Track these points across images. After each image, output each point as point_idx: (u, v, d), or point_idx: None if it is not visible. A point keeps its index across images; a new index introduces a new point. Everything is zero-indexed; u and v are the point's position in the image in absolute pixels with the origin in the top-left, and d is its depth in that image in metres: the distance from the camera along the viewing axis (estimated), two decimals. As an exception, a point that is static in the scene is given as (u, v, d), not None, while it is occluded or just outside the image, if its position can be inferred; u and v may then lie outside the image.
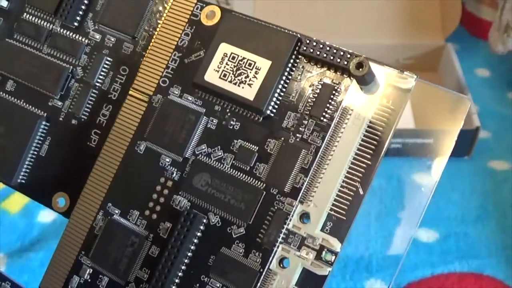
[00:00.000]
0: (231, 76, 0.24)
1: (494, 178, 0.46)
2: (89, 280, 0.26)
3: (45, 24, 0.28)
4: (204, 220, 0.24)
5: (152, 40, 0.26)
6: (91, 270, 0.26)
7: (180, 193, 0.25)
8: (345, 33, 0.56)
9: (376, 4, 0.57)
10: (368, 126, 0.23)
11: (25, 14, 0.28)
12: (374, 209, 0.43)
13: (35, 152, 0.27)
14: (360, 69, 0.22)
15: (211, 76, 0.25)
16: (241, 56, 0.24)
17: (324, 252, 0.23)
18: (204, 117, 0.25)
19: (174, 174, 0.25)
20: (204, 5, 0.26)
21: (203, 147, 0.25)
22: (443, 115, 0.22)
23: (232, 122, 0.25)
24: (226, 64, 0.25)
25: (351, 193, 0.23)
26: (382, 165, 0.46)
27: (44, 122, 0.27)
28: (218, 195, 0.24)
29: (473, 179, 0.46)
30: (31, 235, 0.42)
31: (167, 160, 0.25)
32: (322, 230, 0.23)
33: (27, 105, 0.28)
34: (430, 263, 0.40)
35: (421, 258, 0.41)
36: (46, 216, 0.44)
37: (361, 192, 0.23)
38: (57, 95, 0.27)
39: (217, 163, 0.25)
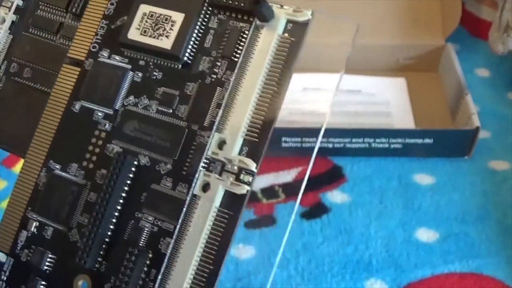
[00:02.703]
0: (150, 31, 0.27)
1: (494, 178, 0.47)
2: (36, 232, 0.27)
3: (57, 18, 0.31)
4: (135, 162, 0.26)
5: (84, 13, 0.29)
6: (37, 223, 0.28)
7: (113, 141, 0.27)
8: (344, 33, 0.56)
9: (376, 4, 0.57)
10: (272, 57, 0.25)
11: (39, 10, 0.31)
12: (374, 209, 0.44)
13: None
14: (257, 4, 0.25)
15: (133, 34, 0.27)
16: (158, 13, 0.27)
17: (242, 174, 0.25)
18: (130, 72, 0.27)
19: (107, 126, 0.27)
20: (126, -24, 0.29)
21: (131, 98, 0.27)
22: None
23: (155, 73, 0.27)
24: (146, 22, 0.27)
25: (262, 117, 0.25)
26: (382, 165, 0.48)
27: None
28: (146, 138, 0.27)
29: (473, 179, 0.46)
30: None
31: (100, 114, 0.28)
32: (239, 154, 0.25)
33: (44, 88, 0.30)
34: (430, 263, 0.40)
35: (421, 258, 0.41)
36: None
37: (271, 117, 0.25)
38: None
39: (143, 110, 0.27)
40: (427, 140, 0.47)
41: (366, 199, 0.45)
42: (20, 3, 0.32)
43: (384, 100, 0.53)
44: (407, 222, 0.43)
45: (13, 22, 0.32)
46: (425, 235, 0.42)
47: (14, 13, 0.32)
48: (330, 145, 0.47)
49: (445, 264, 0.40)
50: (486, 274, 0.40)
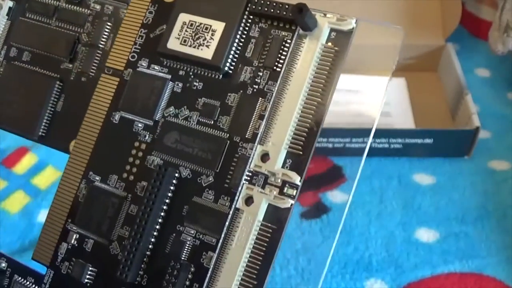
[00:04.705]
0: (190, 41, 0.27)
1: (494, 178, 0.46)
2: (76, 245, 0.27)
3: (52, 1, 0.31)
4: (176, 174, 0.26)
5: (122, 22, 0.29)
6: (77, 235, 0.27)
7: (153, 153, 0.27)
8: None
9: (376, 4, 0.57)
10: (316, 67, 0.25)
11: None
12: (374, 209, 0.44)
13: (52, 108, 0.30)
14: (300, 13, 0.24)
15: (173, 43, 0.27)
16: (198, 22, 0.27)
17: (286, 188, 0.24)
18: (170, 82, 0.27)
19: (147, 137, 0.27)
20: (164, -15, 0.28)
21: (171, 109, 0.27)
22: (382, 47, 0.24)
23: (195, 83, 0.27)
24: (186, 31, 0.27)
25: (306, 129, 0.24)
26: (382, 165, 0.48)
27: (58, 82, 0.30)
28: (187, 149, 0.26)
29: (473, 179, 0.46)
30: (31, 235, 0.43)
31: (140, 125, 0.27)
32: (282, 167, 0.24)
33: (43, 70, 0.31)
34: (430, 263, 0.40)
35: (421, 258, 0.41)
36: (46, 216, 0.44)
37: (315, 128, 0.24)
38: (67, 59, 0.30)
39: (184, 121, 0.27)
40: (427, 140, 0.47)
41: (366, 199, 0.45)
42: None
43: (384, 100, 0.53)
44: (407, 222, 0.43)
45: (10, 8, 0.32)
46: (425, 235, 0.42)
47: None
48: (330, 145, 0.47)
49: (445, 264, 0.40)
50: (486, 274, 0.39)
